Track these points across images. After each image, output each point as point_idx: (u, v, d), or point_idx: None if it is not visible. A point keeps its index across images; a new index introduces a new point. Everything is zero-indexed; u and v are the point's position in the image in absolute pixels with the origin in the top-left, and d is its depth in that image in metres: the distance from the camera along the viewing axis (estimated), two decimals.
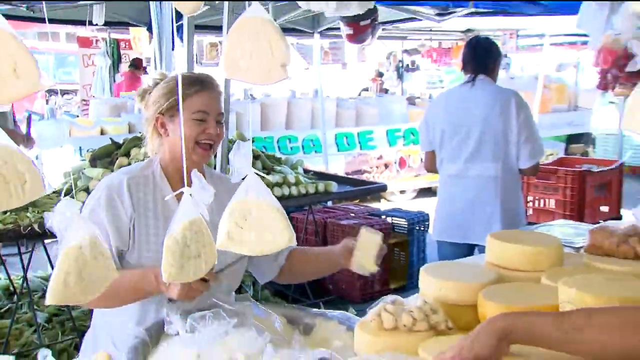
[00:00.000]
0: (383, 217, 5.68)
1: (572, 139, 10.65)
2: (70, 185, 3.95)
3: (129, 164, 3.92)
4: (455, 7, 5.58)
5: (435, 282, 1.70)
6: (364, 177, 8.09)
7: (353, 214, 5.67)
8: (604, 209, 5.93)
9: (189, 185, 1.52)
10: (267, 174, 4.38)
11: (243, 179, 1.53)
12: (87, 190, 3.82)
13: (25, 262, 3.88)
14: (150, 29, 5.49)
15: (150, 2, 4.29)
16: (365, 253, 2.01)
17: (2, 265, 4.64)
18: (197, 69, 4.58)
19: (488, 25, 8.69)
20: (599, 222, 2.24)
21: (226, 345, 1.51)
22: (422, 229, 5.60)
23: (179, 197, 1.54)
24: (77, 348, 3.59)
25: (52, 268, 4.55)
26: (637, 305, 1.35)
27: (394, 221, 5.61)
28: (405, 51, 14.75)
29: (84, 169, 4.21)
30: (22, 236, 3.65)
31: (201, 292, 1.75)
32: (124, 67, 10.39)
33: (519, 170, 3.65)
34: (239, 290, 2.25)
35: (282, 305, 2.21)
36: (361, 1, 2.01)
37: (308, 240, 5.14)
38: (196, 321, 1.58)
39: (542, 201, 5.98)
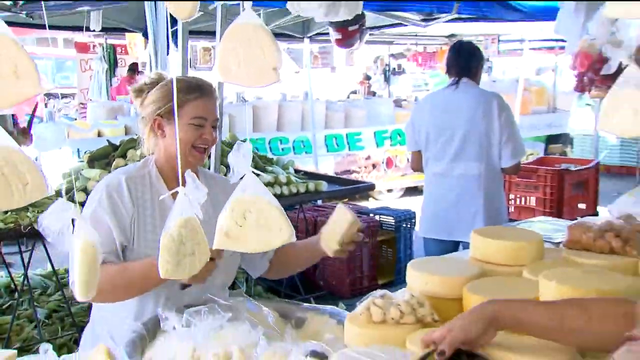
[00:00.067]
0: (371, 215, 5.68)
1: (551, 140, 10.70)
2: (71, 186, 3.93)
3: (126, 164, 3.90)
4: (440, 13, 5.59)
5: (421, 277, 1.71)
6: (353, 176, 8.09)
7: None
8: (582, 206, 5.97)
9: (184, 185, 1.52)
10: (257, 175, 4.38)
11: (241, 178, 1.53)
12: (85, 191, 3.81)
13: (26, 260, 3.86)
14: (145, 35, 5.46)
15: (146, 9, 4.27)
16: (332, 230, 1.90)
17: (3, 264, 4.62)
18: (191, 73, 4.57)
19: (471, 31, 8.74)
20: (576, 219, 2.26)
21: (221, 339, 1.51)
22: (409, 226, 5.61)
23: (174, 196, 1.54)
24: (77, 343, 3.58)
25: (52, 266, 4.51)
26: (614, 297, 1.37)
27: (381, 219, 5.61)
28: (392, 55, 14.77)
29: (82, 170, 4.19)
30: (23, 235, 3.63)
31: (211, 271, 1.72)
32: (121, 71, 10.34)
33: (501, 169, 3.66)
34: (233, 286, 2.24)
35: (275, 300, 2.21)
36: (350, 1, 2.02)
37: (299, 238, 5.10)
38: (192, 316, 1.58)
39: (523, 199, 6.02)
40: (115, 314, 1.91)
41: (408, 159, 6.85)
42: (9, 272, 4.58)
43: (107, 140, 4.63)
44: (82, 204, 1.91)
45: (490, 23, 6.82)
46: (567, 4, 3.07)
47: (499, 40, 9.24)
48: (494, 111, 3.54)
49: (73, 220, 1.36)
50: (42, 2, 4.57)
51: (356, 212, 5.93)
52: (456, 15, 5.47)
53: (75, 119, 9.30)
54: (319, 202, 6.14)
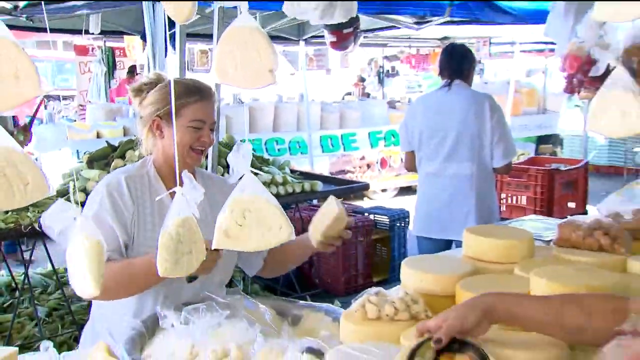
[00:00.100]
0: (366, 214, 5.69)
1: (541, 140, 10.73)
2: (72, 185, 3.92)
3: (125, 165, 3.89)
4: (432, 16, 5.60)
5: (415, 275, 1.71)
6: (348, 176, 8.10)
7: None
8: (571, 205, 6.00)
9: (181, 185, 1.51)
10: (256, 174, 4.38)
11: (240, 178, 1.53)
12: (85, 191, 3.80)
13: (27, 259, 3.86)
14: (143, 37, 5.45)
15: (144, 12, 4.26)
16: (319, 221, 1.86)
17: (4, 263, 4.60)
18: (189, 75, 4.55)
19: (463, 33, 8.73)
20: (566, 217, 2.26)
21: (219, 336, 1.51)
22: (403, 225, 5.62)
23: (172, 196, 1.53)
24: (77, 340, 3.57)
25: (52, 265, 4.50)
26: (603, 293, 1.38)
27: (376, 218, 5.62)
28: (386, 57, 14.76)
29: (82, 170, 4.18)
30: (23, 235, 3.62)
31: (215, 262, 1.72)
32: (119, 73, 10.32)
33: (493, 169, 3.67)
34: (230, 285, 2.24)
35: (271, 298, 2.20)
36: (344, 1, 2.02)
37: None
38: (190, 314, 1.58)
39: (514, 198, 6.04)
40: (114, 312, 1.91)
41: (402, 159, 6.86)
42: (10, 271, 4.57)
43: (106, 141, 4.62)
44: (82, 204, 1.91)
45: (482, 26, 6.84)
46: (557, 8, 3.08)
47: (490, 43, 9.23)
48: (486, 112, 3.54)
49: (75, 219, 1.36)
50: (43, 6, 4.56)
51: (351, 211, 5.96)
52: (449, 19, 5.49)
53: (75, 121, 9.27)
54: (315, 201, 6.14)
